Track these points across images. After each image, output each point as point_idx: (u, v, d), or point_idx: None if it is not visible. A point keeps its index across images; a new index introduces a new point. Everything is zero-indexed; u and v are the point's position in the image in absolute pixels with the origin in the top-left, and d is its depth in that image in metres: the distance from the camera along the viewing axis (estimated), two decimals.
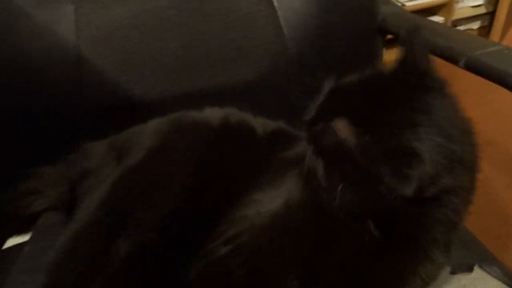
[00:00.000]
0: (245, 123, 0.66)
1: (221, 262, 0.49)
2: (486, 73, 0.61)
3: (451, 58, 0.67)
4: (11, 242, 0.70)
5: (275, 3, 0.81)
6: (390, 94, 0.45)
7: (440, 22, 1.86)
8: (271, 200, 0.51)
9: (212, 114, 0.67)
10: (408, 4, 1.78)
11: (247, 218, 0.51)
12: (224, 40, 0.82)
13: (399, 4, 1.76)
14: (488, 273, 0.62)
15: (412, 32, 0.49)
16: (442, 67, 0.50)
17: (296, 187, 0.51)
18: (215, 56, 0.82)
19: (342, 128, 0.45)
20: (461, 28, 2.09)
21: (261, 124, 0.67)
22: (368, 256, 0.46)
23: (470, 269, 0.62)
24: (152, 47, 0.78)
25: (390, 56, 0.68)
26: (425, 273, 0.48)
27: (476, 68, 0.63)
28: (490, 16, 2.08)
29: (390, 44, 0.94)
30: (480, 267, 0.63)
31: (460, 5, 1.98)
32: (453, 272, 0.62)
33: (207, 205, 0.55)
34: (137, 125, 0.69)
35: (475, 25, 2.11)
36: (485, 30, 2.13)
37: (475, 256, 0.64)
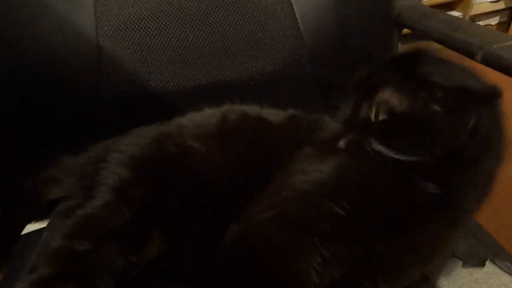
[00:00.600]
0: (251, 115, 0.66)
1: (262, 225, 0.49)
2: (503, 67, 0.61)
3: (468, 52, 0.67)
4: (30, 228, 0.73)
5: None
6: (414, 63, 0.48)
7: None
8: (316, 170, 0.51)
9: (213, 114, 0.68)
10: None
11: (292, 185, 0.51)
12: (243, 32, 0.82)
13: None
14: (501, 268, 0.62)
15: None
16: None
17: (343, 160, 0.51)
18: (233, 48, 0.82)
19: (390, 96, 0.48)
20: (480, 23, 2.05)
21: (272, 113, 0.67)
22: (418, 214, 0.47)
23: (482, 264, 0.62)
24: (171, 38, 0.79)
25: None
26: (457, 239, 0.51)
27: (493, 62, 0.62)
28: (509, 11, 2.04)
29: (405, 39, 0.93)
30: (493, 261, 0.63)
31: (478, 0, 1.95)
32: (466, 266, 0.63)
33: (250, 172, 0.57)
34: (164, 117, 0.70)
35: (494, 20, 2.07)
36: (504, 26, 2.09)
37: (488, 250, 0.64)
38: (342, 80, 0.90)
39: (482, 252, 0.64)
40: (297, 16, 0.82)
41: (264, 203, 0.51)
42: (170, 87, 0.80)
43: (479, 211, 0.50)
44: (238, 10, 0.81)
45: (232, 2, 0.80)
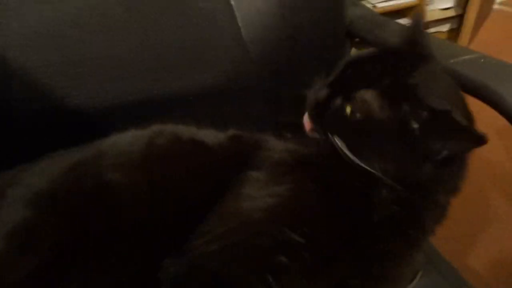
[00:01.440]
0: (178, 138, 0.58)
1: (207, 260, 0.44)
2: (462, 85, 0.55)
3: None
4: None
5: (232, 2, 0.73)
6: (403, 65, 0.46)
7: None
8: (268, 195, 0.47)
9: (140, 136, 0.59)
10: (380, 5, 1.75)
11: (242, 213, 0.47)
12: (179, 42, 0.73)
13: (370, 6, 1.72)
14: None
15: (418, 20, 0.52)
16: None
17: (299, 180, 0.48)
18: (168, 59, 0.73)
19: (371, 99, 0.45)
20: (431, 30, 2.08)
21: (209, 135, 0.59)
22: (384, 235, 0.46)
23: None
24: (95, 49, 0.69)
25: None
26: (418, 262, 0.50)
27: None
28: (459, 18, 2.08)
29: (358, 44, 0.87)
30: None
31: (430, 7, 1.97)
32: None
33: (186, 202, 0.51)
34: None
35: (445, 27, 2.10)
36: (455, 33, 2.12)
37: (449, 285, 0.59)
38: (292, 95, 0.83)
39: (444, 286, 0.58)
40: (240, 24, 0.74)
41: (209, 234, 0.46)
42: (96, 104, 0.70)
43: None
44: (172, 17, 0.72)
45: (165, 8, 0.71)
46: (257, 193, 0.48)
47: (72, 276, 0.48)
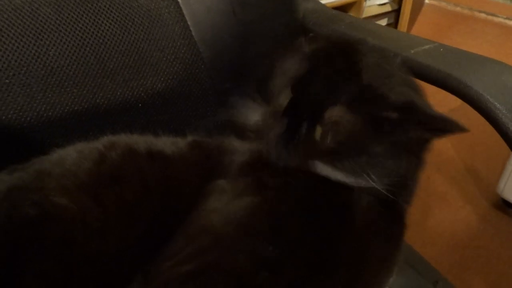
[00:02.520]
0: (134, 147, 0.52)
1: (182, 283, 0.40)
2: (424, 75, 0.54)
3: None
4: None
5: None
6: (349, 70, 0.44)
7: None
8: (238, 208, 0.44)
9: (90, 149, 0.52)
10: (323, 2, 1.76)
11: (211, 229, 0.43)
12: (122, 44, 0.67)
13: None
14: None
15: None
16: None
17: (269, 189, 0.44)
18: (110, 63, 0.66)
19: (343, 115, 0.43)
20: None
21: (168, 143, 0.54)
22: (368, 237, 0.44)
23: None
24: (23, 55, 0.60)
25: None
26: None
27: (413, 70, 0.56)
28: (395, 13, 2.16)
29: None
30: None
31: (368, 3, 2.03)
32: None
33: (148, 222, 0.46)
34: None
35: (383, 22, 2.17)
36: (392, 27, 2.20)
37: (427, 280, 0.58)
38: (247, 96, 0.79)
39: (420, 282, 0.57)
40: (189, 22, 0.69)
41: (179, 255, 0.42)
42: (28, 117, 0.61)
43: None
44: (112, 17, 0.65)
45: (104, 7, 0.64)
46: (225, 206, 0.44)
47: None
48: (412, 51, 0.58)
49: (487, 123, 0.51)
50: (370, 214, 0.44)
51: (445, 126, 0.42)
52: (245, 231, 0.41)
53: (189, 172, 0.50)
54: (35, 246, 0.43)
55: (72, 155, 0.51)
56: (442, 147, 1.68)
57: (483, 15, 2.19)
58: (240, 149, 0.52)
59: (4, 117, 0.60)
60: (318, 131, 0.43)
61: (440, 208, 1.46)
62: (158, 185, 0.48)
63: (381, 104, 0.42)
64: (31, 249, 0.43)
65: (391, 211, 0.45)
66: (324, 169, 0.44)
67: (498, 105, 0.47)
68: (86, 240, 0.44)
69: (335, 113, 0.42)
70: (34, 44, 0.61)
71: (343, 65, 0.44)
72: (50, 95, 0.62)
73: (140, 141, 0.53)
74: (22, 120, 0.61)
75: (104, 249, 0.44)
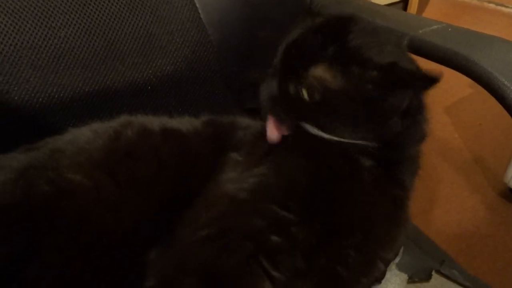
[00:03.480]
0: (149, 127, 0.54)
1: (198, 246, 0.41)
2: (433, 54, 0.54)
3: None
4: None
5: None
6: (338, 34, 0.45)
7: None
8: (251, 176, 0.45)
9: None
10: None
11: (227, 196, 0.44)
12: (131, 26, 0.67)
13: None
14: (448, 278, 0.56)
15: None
16: None
17: (279, 157, 0.46)
18: (120, 46, 0.67)
19: (323, 73, 0.44)
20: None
21: (184, 122, 0.55)
22: (373, 200, 0.45)
23: (429, 276, 0.56)
24: (34, 37, 0.61)
25: None
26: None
27: (421, 49, 0.56)
28: (403, 3, 2.14)
29: None
30: (439, 272, 0.57)
31: None
32: (412, 281, 0.56)
33: (165, 195, 0.47)
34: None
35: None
36: (403, 5, 2.16)
37: (433, 259, 0.58)
38: (254, 79, 0.79)
39: (427, 262, 0.57)
40: (197, 5, 0.69)
41: (197, 222, 0.43)
42: (40, 98, 0.62)
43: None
44: (121, 0, 0.65)
45: None
46: (240, 175, 0.46)
47: None
48: (420, 31, 0.58)
49: (494, 114, 0.51)
50: (375, 178, 0.44)
51: (423, 80, 0.43)
52: (260, 197, 0.43)
53: (203, 147, 0.51)
54: (51, 221, 0.44)
55: (86, 134, 0.52)
56: (449, 137, 1.67)
57: (492, 6, 2.16)
58: (252, 124, 0.53)
59: (16, 98, 0.61)
60: (304, 90, 0.45)
61: (447, 197, 1.46)
62: (172, 160, 0.49)
63: (364, 64, 0.43)
64: (48, 224, 0.44)
65: (392, 172, 0.46)
66: (310, 128, 0.45)
67: (506, 82, 0.47)
68: (101, 214, 0.45)
69: (317, 70, 0.44)
70: (45, 26, 0.62)
71: (333, 30, 0.46)
72: (61, 77, 0.64)
73: (155, 120, 0.55)
74: (34, 101, 0.63)
75: (119, 222, 0.45)
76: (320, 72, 0.44)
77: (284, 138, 0.47)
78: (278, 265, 0.40)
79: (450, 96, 1.80)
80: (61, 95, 0.64)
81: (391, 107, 0.44)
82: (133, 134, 0.51)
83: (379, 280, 0.52)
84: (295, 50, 0.46)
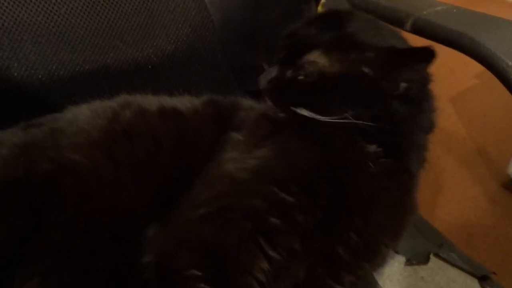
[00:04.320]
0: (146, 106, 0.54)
1: (196, 224, 0.42)
2: (437, 35, 0.54)
3: (396, 21, 0.59)
4: None
5: None
6: (341, 21, 0.47)
7: None
8: (252, 157, 0.45)
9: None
10: None
11: (228, 176, 0.44)
12: (132, 4, 0.67)
13: None
14: (446, 261, 0.56)
15: None
16: None
17: (280, 139, 0.46)
18: (121, 24, 0.66)
19: (319, 58, 0.46)
20: None
21: (184, 101, 0.55)
22: (375, 183, 0.44)
23: (427, 259, 0.56)
24: (34, 13, 0.61)
25: None
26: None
27: (425, 30, 0.55)
28: None
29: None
30: (437, 255, 0.56)
31: None
32: (409, 263, 0.55)
33: (162, 174, 0.48)
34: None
35: None
36: None
37: (431, 243, 0.58)
38: (256, 61, 0.78)
39: (425, 245, 0.57)
40: None
41: (196, 200, 0.43)
42: (39, 75, 0.62)
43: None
44: None
45: None
46: (241, 155, 0.46)
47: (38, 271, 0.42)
48: (425, 12, 0.57)
49: (499, 105, 0.50)
50: (378, 163, 0.44)
51: (418, 56, 0.43)
52: (261, 177, 0.43)
53: (203, 126, 0.51)
54: (53, 198, 0.45)
55: (86, 113, 0.52)
56: (453, 127, 1.66)
57: None
58: (255, 106, 0.53)
59: (16, 74, 0.61)
60: (299, 73, 0.47)
61: (449, 188, 1.45)
62: (171, 139, 0.50)
63: (360, 47, 0.44)
64: (49, 201, 0.45)
65: (397, 157, 0.45)
66: (305, 112, 0.46)
67: (511, 63, 0.46)
68: (100, 192, 0.46)
69: (312, 55, 0.46)
70: (46, 1, 0.61)
71: (331, 20, 0.48)
72: (61, 54, 0.63)
73: (153, 100, 0.55)
74: (34, 78, 0.62)
75: (118, 200, 0.46)
76: (315, 56, 0.46)
77: (286, 122, 0.47)
78: (276, 246, 0.40)
79: (455, 87, 1.79)
80: (61, 72, 0.63)
81: (388, 87, 0.44)
82: (131, 115, 0.51)
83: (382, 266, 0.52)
84: (294, 38, 0.49)
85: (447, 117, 1.72)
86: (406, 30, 0.58)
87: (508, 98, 0.49)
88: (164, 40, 0.68)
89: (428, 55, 0.42)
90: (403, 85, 0.44)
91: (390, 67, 0.44)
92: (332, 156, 0.44)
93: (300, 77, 0.47)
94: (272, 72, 0.50)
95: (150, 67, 0.68)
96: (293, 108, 0.47)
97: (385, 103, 0.44)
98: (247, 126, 0.49)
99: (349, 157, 0.44)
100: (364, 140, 0.44)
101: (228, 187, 0.43)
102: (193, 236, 0.41)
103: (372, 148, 0.44)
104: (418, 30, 0.56)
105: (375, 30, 0.47)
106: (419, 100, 0.46)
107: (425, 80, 0.46)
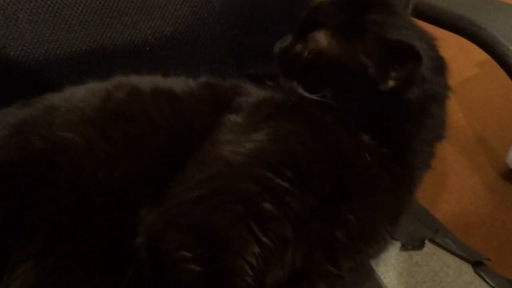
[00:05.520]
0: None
1: (189, 205, 0.42)
2: (437, 18, 0.53)
3: (397, 4, 0.58)
4: None
5: None
6: (364, 10, 0.47)
7: None
8: (249, 140, 0.45)
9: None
10: None
11: (223, 158, 0.44)
12: None
13: None
14: (441, 246, 0.56)
15: None
16: None
17: (278, 124, 0.46)
18: (119, 3, 0.65)
19: (322, 37, 0.47)
20: None
21: (179, 82, 0.55)
22: (372, 170, 0.45)
23: (422, 244, 0.56)
24: None
25: None
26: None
27: (426, 14, 0.54)
28: None
29: None
30: (432, 240, 0.57)
31: None
32: (405, 248, 0.56)
33: (155, 153, 0.48)
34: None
35: None
36: None
37: (427, 228, 0.58)
38: (256, 44, 0.78)
39: (421, 230, 0.57)
40: None
41: (190, 181, 0.43)
42: (36, 55, 0.61)
43: None
44: None
45: None
46: (237, 138, 0.46)
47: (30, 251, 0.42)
48: None
49: (500, 94, 0.50)
50: (372, 152, 0.44)
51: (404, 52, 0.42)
52: (256, 162, 0.42)
53: (198, 109, 0.51)
54: (46, 175, 0.45)
55: (82, 92, 0.52)
56: (454, 116, 1.66)
57: None
58: (255, 92, 0.53)
59: (12, 53, 0.60)
60: (303, 49, 0.49)
61: (448, 176, 1.45)
62: (164, 120, 0.49)
63: (367, 37, 0.44)
64: (42, 178, 0.45)
65: (394, 154, 0.45)
66: (296, 87, 0.47)
67: (511, 47, 0.45)
68: (93, 170, 0.45)
69: (318, 34, 0.48)
70: None
71: (357, 5, 0.48)
72: (58, 33, 0.62)
73: (147, 80, 0.54)
74: (30, 58, 0.62)
75: (111, 178, 0.46)
76: (320, 36, 0.47)
77: (286, 106, 0.48)
78: (268, 232, 0.40)
79: (457, 75, 1.77)
80: (58, 52, 0.63)
81: (378, 80, 0.44)
82: (123, 95, 0.51)
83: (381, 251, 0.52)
84: (313, 13, 0.51)
85: (448, 106, 1.71)
86: None
87: (509, 88, 0.49)
88: (162, 21, 0.67)
89: (411, 53, 0.41)
90: (393, 74, 0.43)
91: (382, 59, 0.43)
92: (329, 141, 0.44)
93: (305, 54, 0.48)
94: (287, 40, 0.52)
95: (148, 48, 0.68)
96: (289, 81, 0.48)
97: (374, 93, 0.44)
98: (246, 108, 0.49)
99: (345, 143, 0.44)
100: (360, 129, 0.45)
101: (222, 170, 0.43)
102: (184, 218, 0.41)
103: (366, 138, 0.45)
104: (419, 13, 0.55)
105: (394, 25, 0.46)
106: (424, 103, 0.46)
107: (417, 81, 0.44)
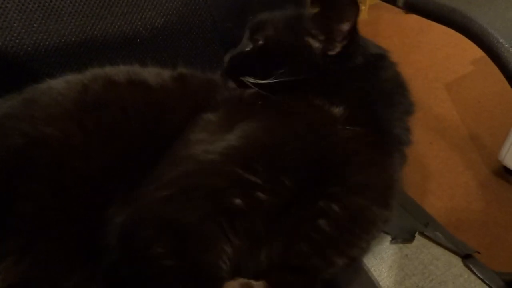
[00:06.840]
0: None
1: (158, 205, 0.41)
2: (428, 11, 0.53)
3: None
4: None
5: None
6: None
7: None
8: (221, 139, 0.45)
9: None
10: None
11: (193, 157, 0.44)
12: None
13: None
14: (430, 239, 0.56)
15: None
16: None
17: (250, 120, 0.46)
18: None
19: (267, 29, 0.53)
20: None
21: (153, 74, 0.55)
22: (345, 146, 0.45)
23: (412, 237, 0.56)
24: None
25: None
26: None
27: (417, 6, 0.54)
28: None
29: None
30: (422, 233, 0.57)
31: None
32: (395, 241, 0.56)
33: (129, 148, 0.48)
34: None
35: None
36: None
37: (417, 221, 0.58)
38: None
39: (411, 223, 0.57)
40: None
41: (160, 180, 0.43)
42: (25, 45, 0.61)
43: None
44: None
45: None
46: (210, 137, 0.46)
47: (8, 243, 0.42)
48: None
49: (494, 92, 0.50)
50: (343, 127, 0.45)
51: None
52: (226, 159, 0.42)
53: (170, 101, 0.51)
54: (25, 170, 0.44)
55: (60, 85, 0.52)
56: (447, 113, 1.66)
57: None
58: (231, 90, 0.53)
59: (0, 44, 0.60)
60: (250, 43, 0.53)
61: (441, 173, 1.46)
62: (138, 111, 0.49)
63: (304, 22, 0.50)
64: (21, 173, 0.44)
65: (367, 122, 0.46)
66: (250, 80, 0.49)
67: (501, 39, 0.45)
68: (71, 162, 0.45)
69: (266, 28, 0.53)
70: None
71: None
72: (47, 23, 0.62)
73: (123, 71, 0.54)
74: (19, 48, 0.61)
75: (87, 168, 0.45)
76: (266, 28, 0.53)
77: (260, 104, 0.48)
78: (239, 228, 0.40)
79: (451, 73, 1.78)
80: (47, 42, 0.62)
81: (330, 47, 0.48)
82: (99, 87, 0.51)
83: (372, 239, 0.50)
84: (258, 20, 0.56)
85: (442, 103, 1.72)
86: (399, 6, 0.57)
87: (503, 85, 0.49)
88: (153, 12, 0.67)
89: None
90: (338, 44, 0.48)
91: (325, 28, 0.48)
92: (301, 125, 0.44)
93: (249, 48, 0.53)
94: (233, 51, 0.56)
95: (138, 40, 0.67)
96: (242, 78, 0.50)
97: (322, 62, 0.48)
98: (222, 107, 0.49)
99: (316, 121, 0.45)
100: (329, 103, 0.46)
101: (192, 168, 0.43)
102: (156, 215, 0.41)
103: (338, 111, 0.45)
104: (410, 6, 0.55)
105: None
106: (365, 67, 0.48)
107: (358, 49, 0.49)
